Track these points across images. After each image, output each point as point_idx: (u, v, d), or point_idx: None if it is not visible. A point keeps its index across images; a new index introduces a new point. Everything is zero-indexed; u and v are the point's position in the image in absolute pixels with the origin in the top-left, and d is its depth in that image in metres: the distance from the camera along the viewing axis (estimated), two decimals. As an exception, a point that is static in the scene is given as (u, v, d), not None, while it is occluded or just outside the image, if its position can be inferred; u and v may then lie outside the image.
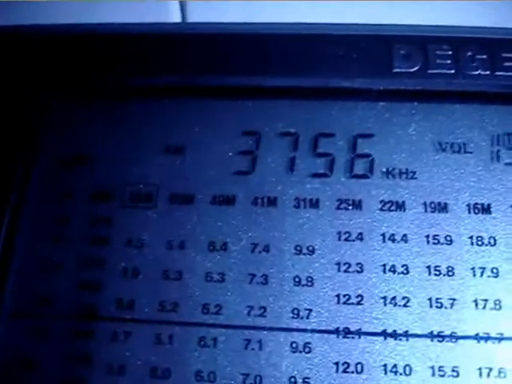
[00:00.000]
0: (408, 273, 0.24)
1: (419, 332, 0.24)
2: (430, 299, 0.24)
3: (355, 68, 0.26)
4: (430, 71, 0.26)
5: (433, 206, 0.25)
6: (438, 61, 0.27)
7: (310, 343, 0.24)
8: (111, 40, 0.28)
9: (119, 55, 0.27)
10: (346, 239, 0.25)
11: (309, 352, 0.24)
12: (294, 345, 0.24)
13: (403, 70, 0.26)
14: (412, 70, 0.26)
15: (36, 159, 0.27)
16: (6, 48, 0.28)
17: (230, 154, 0.26)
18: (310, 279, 0.25)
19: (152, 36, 0.28)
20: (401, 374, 0.23)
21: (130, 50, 0.28)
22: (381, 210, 0.25)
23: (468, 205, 0.25)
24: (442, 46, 0.27)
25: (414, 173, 0.26)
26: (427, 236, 0.25)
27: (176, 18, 0.32)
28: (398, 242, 0.25)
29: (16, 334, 0.25)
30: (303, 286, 0.25)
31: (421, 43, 0.27)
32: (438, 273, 0.24)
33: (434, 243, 0.25)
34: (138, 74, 0.27)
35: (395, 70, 0.26)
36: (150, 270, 0.25)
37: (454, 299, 0.24)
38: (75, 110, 0.28)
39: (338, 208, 0.25)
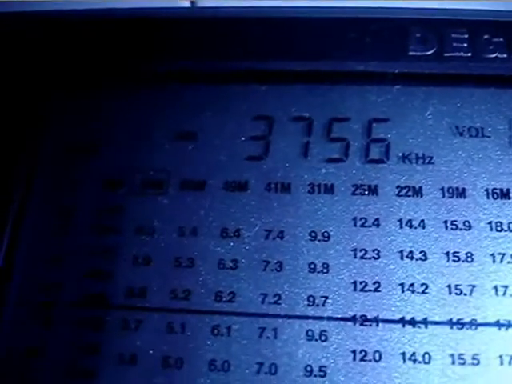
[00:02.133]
0: (426, 259, 0.24)
1: (438, 319, 0.23)
2: (448, 286, 0.23)
3: (370, 51, 0.26)
4: (446, 54, 0.26)
5: (450, 191, 0.25)
6: (455, 44, 0.26)
7: (326, 331, 0.23)
8: (120, 25, 0.28)
9: (129, 41, 0.27)
10: (362, 225, 0.24)
11: (325, 340, 0.23)
12: (309, 333, 0.23)
13: (419, 54, 0.26)
14: (428, 53, 0.26)
15: (44, 147, 0.26)
16: (15, 35, 0.28)
17: (243, 138, 0.26)
18: (325, 266, 0.24)
19: (162, 21, 0.27)
20: (420, 362, 0.23)
21: (141, 35, 0.27)
22: (397, 195, 0.25)
23: (486, 190, 0.25)
24: (458, 29, 0.26)
25: (431, 157, 0.25)
26: (445, 221, 0.24)
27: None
28: (416, 227, 0.24)
29: (24, 322, 0.24)
30: (318, 272, 0.24)
31: (437, 26, 0.26)
32: (456, 259, 0.24)
33: (452, 229, 0.24)
34: (149, 59, 0.27)
35: (411, 53, 0.26)
36: (162, 258, 0.25)
37: (474, 286, 0.23)
38: (84, 97, 0.27)
39: (354, 193, 0.25)
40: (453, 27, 0.26)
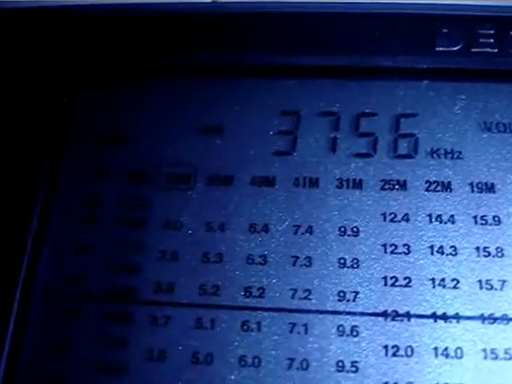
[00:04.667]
0: (456, 254, 0.24)
1: (470, 314, 0.23)
2: (479, 281, 0.23)
3: (398, 47, 0.26)
4: (473, 50, 0.26)
5: (480, 186, 0.25)
6: (481, 40, 0.26)
7: (357, 326, 0.23)
8: (145, 19, 0.27)
9: (157, 34, 0.27)
10: (391, 220, 0.24)
11: (356, 335, 0.23)
12: (340, 328, 0.23)
13: (446, 49, 0.26)
14: (455, 48, 0.26)
15: (71, 139, 0.26)
16: (42, 27, 0.27)
17: (271, 133, 0.26)
18: (355, 261, 0.24)
19: (189, 15, 0.27)
20: (452, 357, 0.23)
21: (169, 28, 0.27)
22: (427, 190, 0.25)
23: (515, 185, 0.25)
24: (485, 24, 0.26)
25: (460, 152, 0.25)
26: (475, 217, 0.24)
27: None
28: (446, 222, 0.24)
29: (50, 316, 0.24)
30: (348, 267, 0.24)
31: (463, 22, 0.26)
32: (487, 254, 0.24)
33: (481, 224, 0.24)
34: (176, 52, 0.27)
35: (438, 49, 0.26)
36: (190, 253, 0.24)
37: (505, 281, 0.23)
38: (111, 90, 0.27)
39: (383, 188, 0.25)
40: (479, 23, 0.26)
